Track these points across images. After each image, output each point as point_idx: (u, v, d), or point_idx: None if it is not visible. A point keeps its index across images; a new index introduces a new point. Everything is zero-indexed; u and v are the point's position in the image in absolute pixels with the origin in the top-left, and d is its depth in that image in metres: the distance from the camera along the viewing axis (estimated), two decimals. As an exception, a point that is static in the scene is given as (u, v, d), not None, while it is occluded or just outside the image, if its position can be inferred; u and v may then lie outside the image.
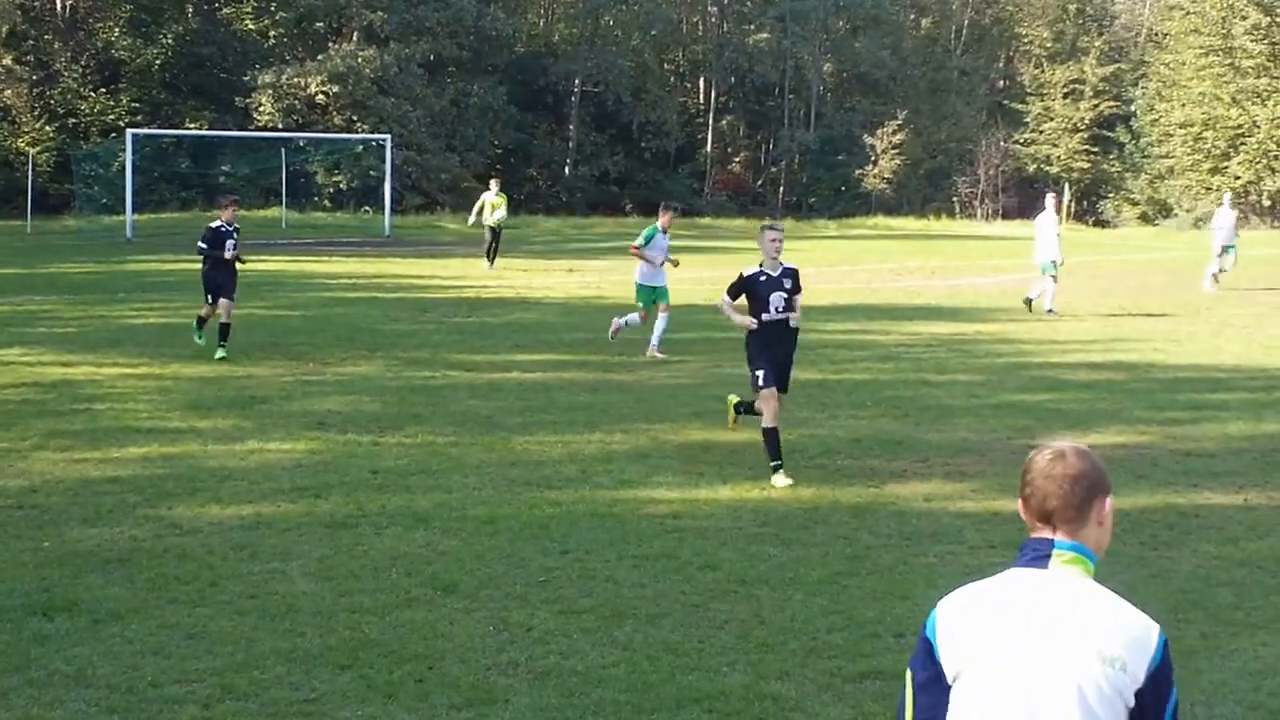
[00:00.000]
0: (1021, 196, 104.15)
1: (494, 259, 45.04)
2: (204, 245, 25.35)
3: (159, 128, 74.30)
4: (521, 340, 28.17)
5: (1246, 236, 59.10)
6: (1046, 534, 4.62)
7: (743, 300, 16.63)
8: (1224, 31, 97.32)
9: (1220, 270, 41.90)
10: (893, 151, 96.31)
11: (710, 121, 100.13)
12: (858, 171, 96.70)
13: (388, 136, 69.55)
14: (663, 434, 18.83)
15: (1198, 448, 18.47)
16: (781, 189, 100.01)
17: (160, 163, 72.33)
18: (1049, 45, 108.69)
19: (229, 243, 25.17)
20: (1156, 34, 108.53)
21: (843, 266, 50.21)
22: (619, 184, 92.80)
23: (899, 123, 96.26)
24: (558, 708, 9.35)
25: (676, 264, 27.18)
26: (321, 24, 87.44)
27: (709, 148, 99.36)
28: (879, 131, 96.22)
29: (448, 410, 20.40)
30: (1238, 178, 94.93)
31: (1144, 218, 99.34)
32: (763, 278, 16.50)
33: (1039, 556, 4.60)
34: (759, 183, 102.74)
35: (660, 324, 26.33)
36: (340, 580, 12.06)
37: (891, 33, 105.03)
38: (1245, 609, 11.73)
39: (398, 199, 71.23)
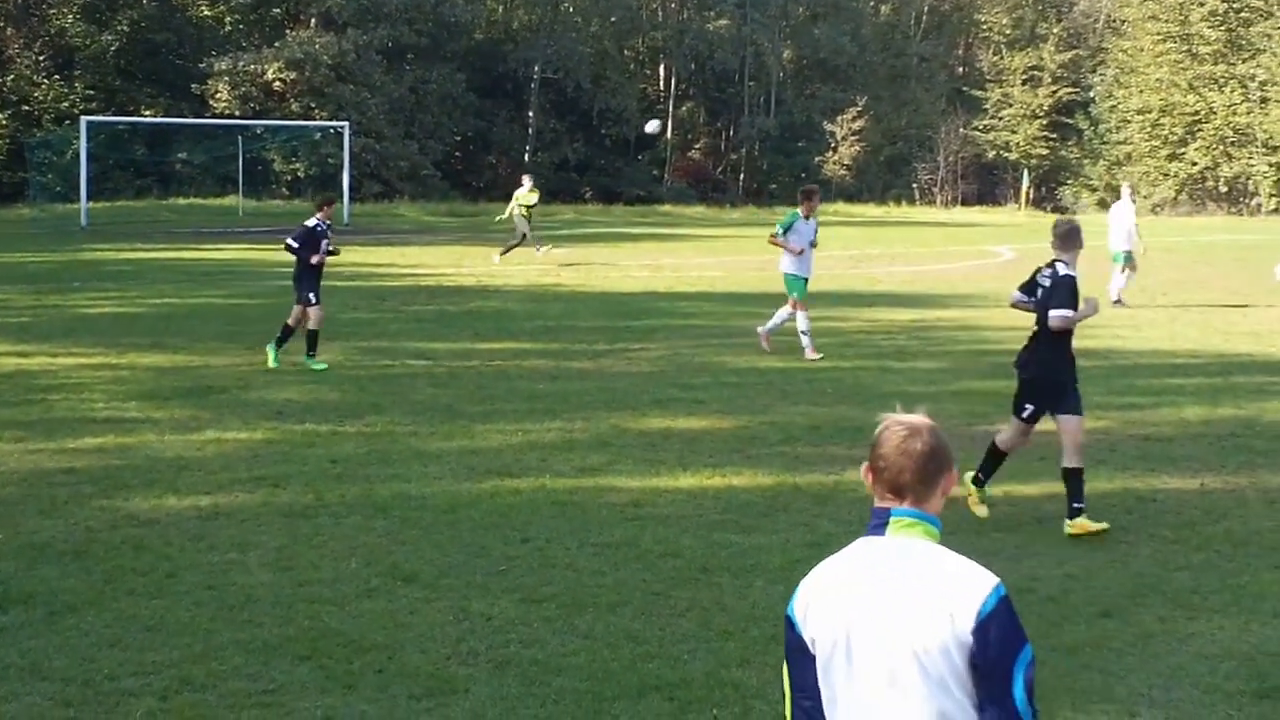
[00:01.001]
0: (981, 183, 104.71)
1: (509, 250, 43.09)
2: (294, 243, 23.31)
3: (114, 115, 73.93)
4: (481, 329, 28.09)
5: (1203, 223, 59.36)
6: (891, 503, 4.85)
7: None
8: (1182, 18, 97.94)
9: None
10: (853, 138, 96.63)
11: (670, 108, 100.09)
12: (818, 158, 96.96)
13: (346, 124, 69.35)
14: (623, 422, 18.79)
15: (1155, 433, 18.53)
16: (742, 176, 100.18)
17: (115, 150, 71.95)
18: (1008, 32, 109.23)
19: (324, 243, 23.39)
20: (1115, 20, 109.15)
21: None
22: (579, 171, 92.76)
23: (859, 109, 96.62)
24: (518, 697, 9.31)
25: (815, 245, 25.36)
26: (278, 10, 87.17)
27: (669, 135, 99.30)
28: (839, 118, 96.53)
29: (407, 399, 20.32)
30: (1195, 164, 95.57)
31: (1102, 204, 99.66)
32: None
33: (879, 524, 4.85)
34: (719, 170, 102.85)
35: (802, 322, 24.87)
36: (299, 570, 12.00)
37: (851, 19, 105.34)
38: (1202, 593, 11.76)
39: (356, 187, 71.04)
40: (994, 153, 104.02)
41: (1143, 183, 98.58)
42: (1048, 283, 14.12)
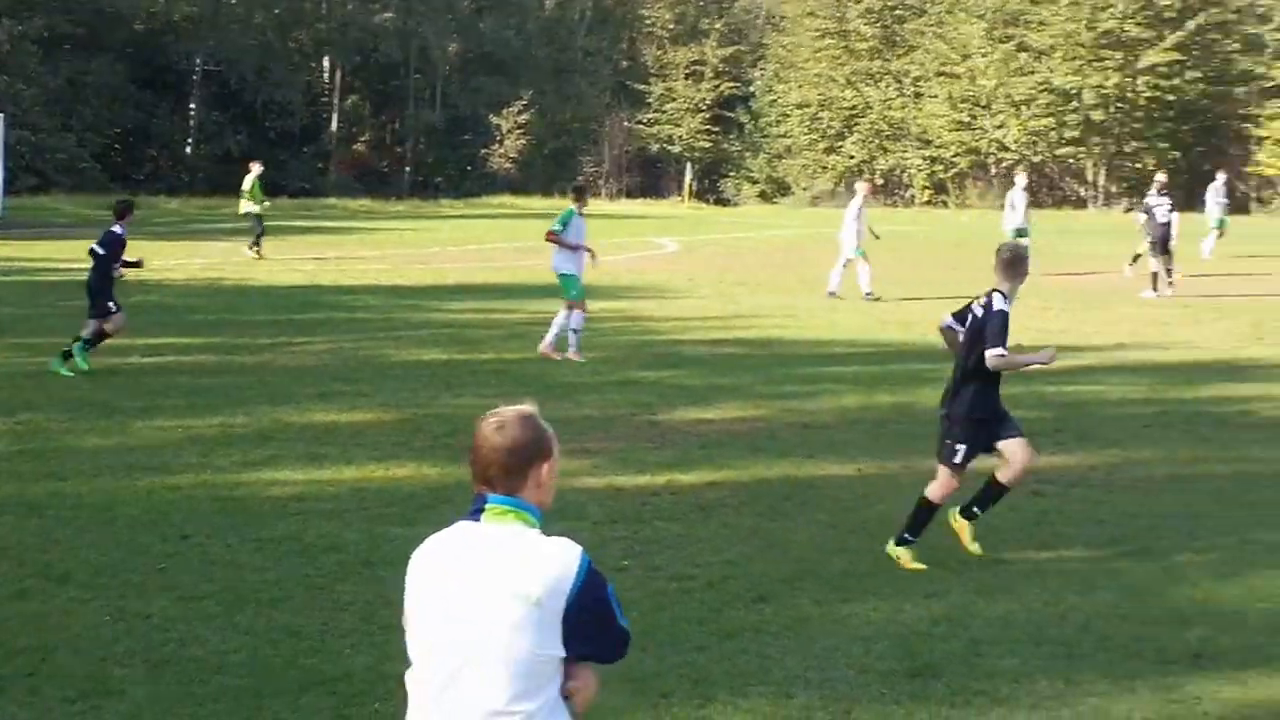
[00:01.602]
0: (645, 175, 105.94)
1: (256, 245, 42.34)
2: (101, 250, 22.10)
3: None
4: (141, 323, 27.40)
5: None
6: (486, 491, 5.12)
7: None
8: (839, 15, 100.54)
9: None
10: (518, 131, 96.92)
11: (335, 101, 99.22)
12: (483, 151, 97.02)
13: (0, 116, 67.35)
14: (286, 416, 18.61)
15: (814, 420, 18.96)
16: (407, 169, 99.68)
17: None
18: (671, 27, 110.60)
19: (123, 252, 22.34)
20: (775, 17, 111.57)
21: (469, 246, 50.30)
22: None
23: (524, 103, 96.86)
24: (176, 697, 9.17)
25: (594, 256, 24.94)
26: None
27: (334, 127, 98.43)
28: (505, 111, 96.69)
29: (62, 396, 19.84)
30: (852, 157, 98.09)
31: (763, 196, 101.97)
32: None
33: (475, 511, 5.11)
34: (385, 163, 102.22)
35: (575, 320, 24.14)
36: (-54, 573, 11.66)
37: (517, 13, 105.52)
38: (857, 575, 12.07)
39: (10, 180, 68.93)
40: (658, 146, 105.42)
41: (802, 176, 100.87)
42: (980, 313, 12.43)
